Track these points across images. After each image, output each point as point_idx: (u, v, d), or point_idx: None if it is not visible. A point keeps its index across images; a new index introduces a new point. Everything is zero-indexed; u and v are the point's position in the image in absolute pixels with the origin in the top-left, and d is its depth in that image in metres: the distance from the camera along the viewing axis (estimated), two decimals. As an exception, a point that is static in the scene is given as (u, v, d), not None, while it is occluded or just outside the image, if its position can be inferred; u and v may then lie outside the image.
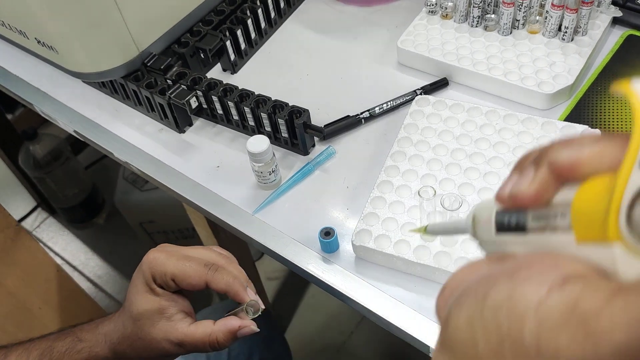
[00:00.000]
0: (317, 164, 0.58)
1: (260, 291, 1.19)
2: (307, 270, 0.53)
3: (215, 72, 0.69)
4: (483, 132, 0.55)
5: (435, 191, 0.45)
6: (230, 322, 0.43)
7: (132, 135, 0.65)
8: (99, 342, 0.47)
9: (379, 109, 0.61)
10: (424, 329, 0.47)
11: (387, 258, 0.50)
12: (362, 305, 0.50)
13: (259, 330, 0.44)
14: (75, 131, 0.67)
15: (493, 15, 0.62)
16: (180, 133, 0.64)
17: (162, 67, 0.62)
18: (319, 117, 0.61)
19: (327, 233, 0.52)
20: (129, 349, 0.45)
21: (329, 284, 0.51)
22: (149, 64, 0.63)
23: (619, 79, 0.59)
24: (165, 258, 0.44)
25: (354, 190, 0.56)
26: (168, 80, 0.62)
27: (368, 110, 0.61)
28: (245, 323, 0.43)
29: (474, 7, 0.62)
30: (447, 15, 0.65)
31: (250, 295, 0.44)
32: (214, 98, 0.60)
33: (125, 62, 0.62)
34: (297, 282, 1.28)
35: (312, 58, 0.68)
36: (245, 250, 1.04)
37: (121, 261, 1.41)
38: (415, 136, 0.56)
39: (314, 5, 0.74)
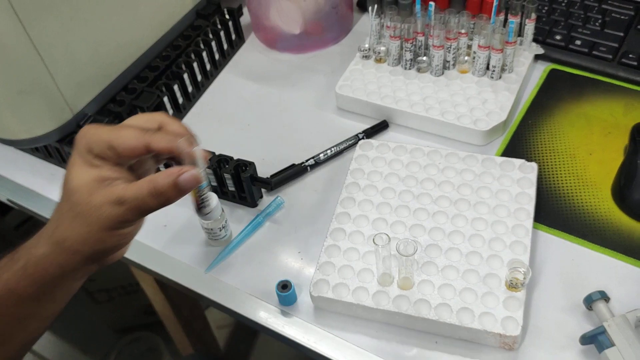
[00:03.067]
0: (266, 215, 0.58)
1: (211, 340, 1.16)
2: (267, 326, 0.51)
3: (154, 128, 0.67)
4: (427, 172, 0.57)
5: (389, 238, 0.46)
6: (170, 169, 0.40)
7: (71, 200, 0.62)
8: (36, 242, 0.42)
9: (324, 155, 0.61)
10: (390, 376, 0.47)
11: (346, 306, 0.49)
12: (325, 357, 0.49)
13: (202, 179, 0.41)
14: (9, 200, 0.64)
15: (425, 58, 0.64)
16: (121, 194, 0.62)
17: (97, 128, 0.61)
18: (264, 168, 0.61)
19: (284, 286, 0.51)
20: (69, 230, 0.40)
21: (291, 338, 0.50)
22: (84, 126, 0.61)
23: (546, 111, 0.62)
24: (99, 128, 0.41)
25: (306, 239, 0.56)
26: (106, 141, 0.60)
27: (313, 158, 0.61)
28: (185, 168, 0.40)
29: (405, 50, 0.64)
30: (380, 59, 0.67)
31: (196, 149, 0.41)
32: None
33: (59, 125, 0.60)
34: (248, 329, 1.26)
35: (252, 107, 0.69)
36: (193, 300, 1.01)
37: (61, 324, 1.33)
38: (363, 181, 0.57)
39: (249, 55, 0.75)
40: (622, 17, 0.67)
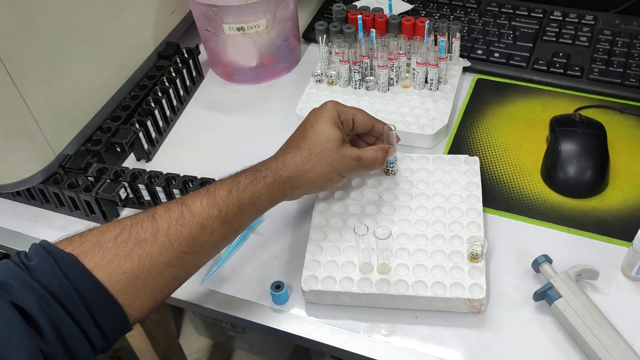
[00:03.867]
0: (250, 229, 0.64)
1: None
2: (265, 324, 0.57)
3: (130, 163, 0.72)
4: (387, 174, 0.65)
5: (367, 228, 0.53)
6: (382, 145, 0.61)
7: (59, 237, 0.65)
8: (281, 166, 0.55)
9: (294, 170, 0.68)
10: (381, 351, 0.54)
11: (334, 296, 0.56)
12: (322, 343, 0.55)
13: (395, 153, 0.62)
14: (-5, 244, 0.66)
15: (371, 77, 0.73)
16: (110, 225, 0.66)
17: (82, 166, 0.65)
18: (241, 187, 0.67)
19: (277, 286, 0.57)
20: (315, 166, 0.55)
21: (288, 331, 0.56)
22: (67, 166, 0.66)
23: (479, 114, 0.73)
24: (344, 104, 0.60)
25: (289, 245, 0.62)
26: (90, 178, 0.64)
27: (284, 173, 0.68)
28: (387, 145, 0.61)
29: (354, 72, 0.73)
30: (332, 82, 0.75)
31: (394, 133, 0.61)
32: (141, 186, 0.64)
33: (43, 167, 0.64)
34: (223, 357, 1.28)
35: (220, 136, 0.75)
36: (170, 334, 1.04)
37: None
38: (332, 189, 0.65)
39: (210, 89, 0.81)
40: (530, 30, 0.79)
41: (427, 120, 0.70)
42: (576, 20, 0.80)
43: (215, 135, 0.75)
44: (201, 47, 0.82)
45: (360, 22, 0.72)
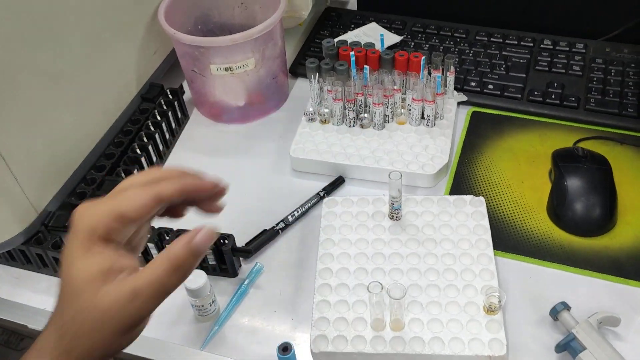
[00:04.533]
0: (249, 282, 0.60)
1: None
2: (273, 390, 0.54)
3: (116, 214, 0.68)
4: (392, 219, 0.63)
5: (382, 286, 0.50)
6: (181, 236, 0.37)
7: (43, 301, 0.61)
8: (35, 357, 0.36)
9: (292, 217, 0.65)
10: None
11: (347, 357, 0.53)
12: (336, 408, 0.52)
13: (215, 234, 0.39)
14: (-28, 312, 0.61)
15: (366, 115, 0.71)
16: (98, 286, 0.62)
17: (66, 224, 0.60)
18: (236, 237, 0.63)
19: (285, 349, 0.54)
20: (76, 339, 0.35)
21: (299, 397, 0.53)
22: (49, 224, 0.61)
23: (477, 149, 0.71)
24: (96, 202, 0.37)
25: (292, 299, 0.59)
26: (75, 235, 0.60)
27: (282, 221, 0.64)
28: (196, 229, 0.37)
29: (348, 110, 0.70)
30: (325, 120, 0.72)
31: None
32: (132, 243, 0.60)
33: (25, 227, 0.59)
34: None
35: (210, 180, 0.71)
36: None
37: None
38: (335, 236, 0.62)
39: (196, 130, 0.77)
40: (521, 60, 0.78)
41: (427, 158, 0.67)
42: (567, 48, 0.79)
43: (204, 181, 0.71)
44: (184, 85, 0.78)
45: (352, 58, 0.69)
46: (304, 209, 0.66)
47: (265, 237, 0.63)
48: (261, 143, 0.75)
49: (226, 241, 0.59)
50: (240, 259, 0.62)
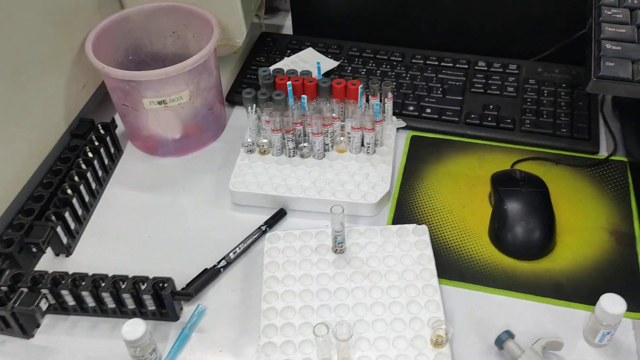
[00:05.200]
0: (192, 326, 0.58)
1: None
2: None
3: (48, 259, 0.64)
4: (336, 252, 0.62)
5: (328, 328, 0.49)
6: None
7: (-34, 360, 0.57)
8: None
9: (233, 254, 0.63)
10: None
11: (295, 400, 0.51)
12: None
13: None
14: None
15: (306, 144, 0.70)
16: (28, 339, 0.58)
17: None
18: (176, 277, 0.60)
19: (230, 397, 0.52)
20: None
21: None
22: (-28, 276, 0.57)
23: (418, 174, 0.71)
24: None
25: (236, 340, 0.57)
26: (2, 288, 0.56)
27: (223, 258, 0.62)
28: None
29: (288, 140, 0.69)
30: (264, 151, 0.71)
31: None
32: (64, 292, 0.57)
33: (-57, 284, 0.55)
34: None
35: (147, 218, 0.68)
36: None
37: None
38: (279, 273, 0.60)
39: (131, 165, 0.74)
40: (457, 83, 0.79)
41: (369, 187, 0.67)
42: (501, 69, 0.80)
43: (142, 218, 0.68)
44: (116, 118, 0.75)
45: (290, 87, 0.68)
46: (246, 244, 0.64)
47: (207, 277, 0.61)
48: (199, 176, 0.73)
49: (165, 285, 0.57)
50: (181, 302, 0.60)
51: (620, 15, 0.53)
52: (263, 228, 0.65)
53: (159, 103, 0.67)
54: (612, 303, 0.52)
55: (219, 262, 0.62)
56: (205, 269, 0.62)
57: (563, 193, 0.67)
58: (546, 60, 0.81)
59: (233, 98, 0.81)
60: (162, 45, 0.77)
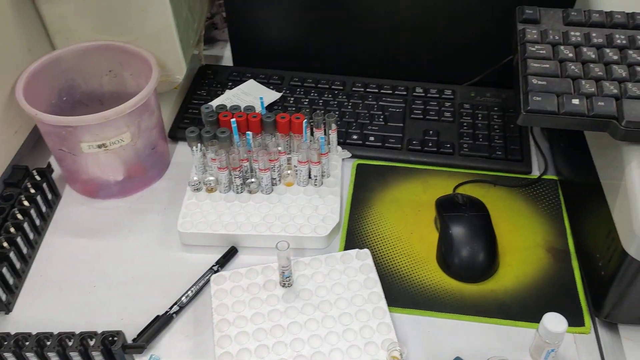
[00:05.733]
0: (146, 377, 0.57)
1: None
2: None
3: (-15, 318, 0.61)
4: (284, 287, 0.62)
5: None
6: None
7: None
8: None
9: (186, 297, 0.62)
10: None
11: None
12: None
13: None
14: None
15: (253, 180, 0.70)
16: (-31, 408, 0.55)
17: None
18: (127, 328, 0.59)
19: None
20: None
21: None
22: None
23: (366, 203, 0.72)
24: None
25: (194, 389, 0.56)
26: (-64, 356, 0.53)
27: (176, 303, 0.61)
28: None
29: (235, 177, 0.69)
30: (212, 189, 0.70)
31: None
32: (7, 354, 0.54)
33: None
34: None
35: (92, 266, 0.66)
36: None
37: None
38: (230, 315, 0.59)
39: (70, 210, 0.72)
40: (398, 110, 0.81)
41: (318, 219, 0.68)
42: (437, 95, 0.83)
43: (85, 266, 0.66)
44: (52, 160, 0.73)
45: (234, 124, 0.68)
46: (198, 286, 0.63)
47: (159, 325, 0.59)
48: (145, 217, 0.71)
49: (115, 339, 0.55)
50: (134, 355, 0.58)
51: (544, 51, 0.57)
52: (215, 268, 0.65)
53: (99, 147, 0.66)
54: (554, 322, 0.54)
55: (171, 308, 0.61)
56: (157, 316, 0.60)
57: (502, 214, 0.70)
58: (478, 84, 0.85)
59: (176, 134, 0.80)
60: (98, 84, 0.75)
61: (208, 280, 0.64)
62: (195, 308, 0.62)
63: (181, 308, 0.61)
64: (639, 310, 0.56)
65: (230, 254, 0.66)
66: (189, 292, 0.62)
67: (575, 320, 0.60)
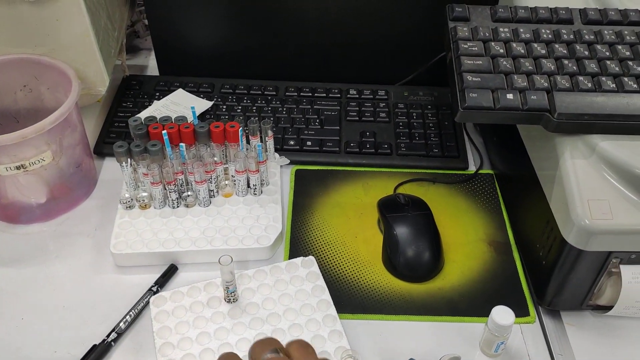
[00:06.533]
0: (86, 414, 0.52)
1: None
2: None
3: None
4: (229, 302, 0.59)
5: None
6: None
7: None
8: None
9: (124, 323, 0.58)
10: None
11: None
12: None
13: None
14: None
15: (190, 192, 0.67)
16: None
17: None
18: (62, 359, 0.55)
19: None
20: None
21: None
22: None
23: (308, 209, 0.71)
24: None
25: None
26: None
27: (114, 330, 0.57)
28: None
29: (170, 192, 0.65)
30: (145, 205, 0.66)
31: None
32: None
33: None
34: None
35: (19, 297, 0.61)
36: None
37: None
38: (173, 337, 0.56)
39: (-10, 237, 0.66)
40: (333, 113, 0.80)
41: (261, 230, 0.65)
42: (371, 96, 0.83)
43: (11, 298, 0.61)
44: (-34, 186, 0.67)
45: (165, 137, 0.65)
46: (136, 310, 0.59)
47: (96, 355, 0.55)
48: (74, 241, 0.66)
49: (49, 375, 0.51)
50: (71, 387, 0.54)
51: (476, 48, 0.57)
52: (154, 289, 0.61)
53: (17, 168, 0.61)
54: (501, 315, 0.55)
55: (108, 335, 0.57)
56: (94, 345, 0.56)
57: (443, 211, 0.71)
58: (410, 84, 0.86)
59: (102, 149, 0.75)
60: (12, 100, 0.70)
61: (147, 303, 0.60)
62: (135, 333, 0.59)
63: (120, 335, 0.57)
64: (579, 296, 0.58)
65: (170, 272, 0.63)
66: (127, 316, 0.59)
67: (520, 310, 0.61)
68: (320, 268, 0.63)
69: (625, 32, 0.59)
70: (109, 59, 0.74)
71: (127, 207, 0.66)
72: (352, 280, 0.64)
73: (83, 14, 0.66)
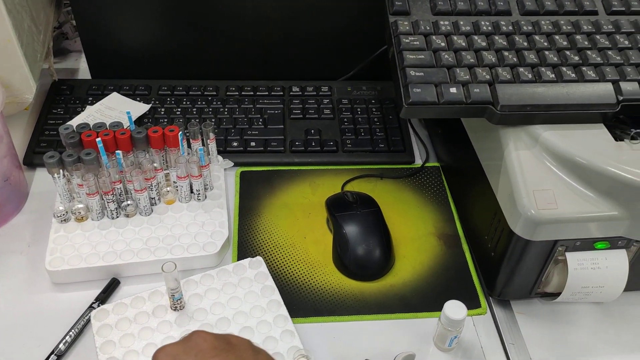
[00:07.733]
0: None
1: None
2: None
3: None
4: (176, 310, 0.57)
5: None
6: None
7: None
8: None
9: (64, 344, 0.55)
10: None
11: None
12: None
13: None
14: None
15: (129, 201, 0.64)
16: None
17: None
18: (-3, 390, 0.51)
19: None
20: None
21: None
22: None
23: (254, 211, 0.69)
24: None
25: None
26: None
27: (53, 352, 0.54)
28: None
29: (108, 202, 0.62)
30: (82, 217, 0.63)
31: None
32: None
33: None
34: None
35: (-56, 324, 0.56)
36: None
37: None
38: (118, 352, 0.54)
39: None
40: (276, 111, 0.79)
41: (207, 236, 0.63)
42: (314, 93, 0.82)
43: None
44: None
45: (100, 144, 0.61)
46: (77, 329, 0.56)
47: (36, 381, 0.52)
48: (5, 259, 0.62)
49: (-18, 408, 0.47)
50: (7, 418, 0.50)
51: (417, 42, 0.57)
52: (94, 305, 0.58)
53: (-63, 185, 0.56)
54: (454, 310, 0.55)
55: (47, 358, 0.54)
56: (32, 371, 0.53)
57: (391, 206, 0.70)
58: (353, 78, 0.85)
59: (32, 160, 0.71)
60: None
61: (88, 321, 0.57)
62: (77, 353, 0.55)
63: (60, 357, 0.54)
64: (528, 285, 0.59)
65: (112, 287, 0.60)
66: (67, 337, 0.55)
67: (472, 303, 0.61)
68: (270, 272, 0.61)
69: (562, 22, 0.60)
70: (35, 63, 0.70)
71: (62, 221, 0.62)
72: (303, 283, 0.62)
73: (3, 17, 0.62)
